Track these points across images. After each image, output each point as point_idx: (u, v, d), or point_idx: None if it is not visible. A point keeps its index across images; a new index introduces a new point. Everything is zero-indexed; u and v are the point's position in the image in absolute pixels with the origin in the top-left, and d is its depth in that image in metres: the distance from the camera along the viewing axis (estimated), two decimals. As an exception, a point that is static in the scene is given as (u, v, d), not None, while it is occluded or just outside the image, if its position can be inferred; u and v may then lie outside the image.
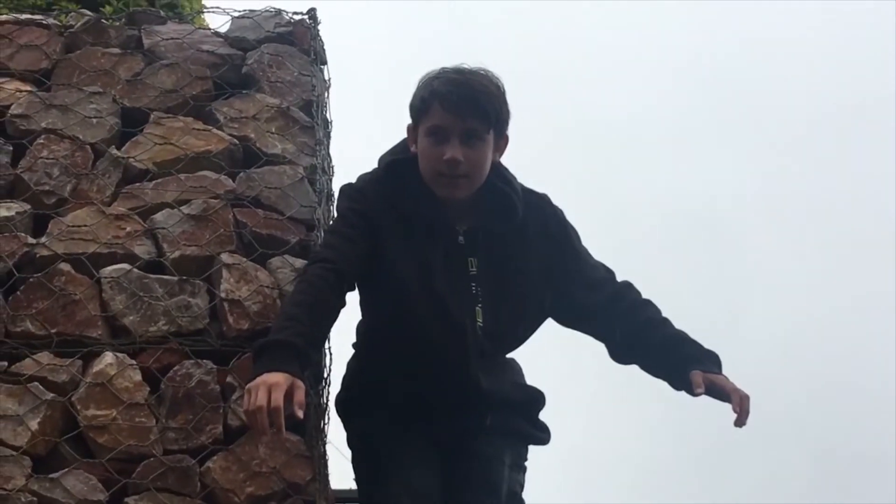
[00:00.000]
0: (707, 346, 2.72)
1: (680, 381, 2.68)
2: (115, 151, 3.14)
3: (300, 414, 2.31)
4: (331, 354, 2.96)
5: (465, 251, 2.66)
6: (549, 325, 2.82)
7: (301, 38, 3.47)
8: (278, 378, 2.29)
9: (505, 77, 2.65)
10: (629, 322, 2.76)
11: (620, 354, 2.81)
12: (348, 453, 2.78)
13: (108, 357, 2.78)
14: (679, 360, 2.68)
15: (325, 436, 2.90)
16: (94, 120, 3.19)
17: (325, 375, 2.94)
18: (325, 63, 3.52)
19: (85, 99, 3.22)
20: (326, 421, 2.91)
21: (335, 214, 2.99)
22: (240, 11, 3.50)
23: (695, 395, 2.62)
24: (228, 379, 2.81)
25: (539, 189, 2.84)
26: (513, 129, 2.70)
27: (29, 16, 3.44)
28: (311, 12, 3.52)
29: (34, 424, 2.68)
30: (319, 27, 3.52)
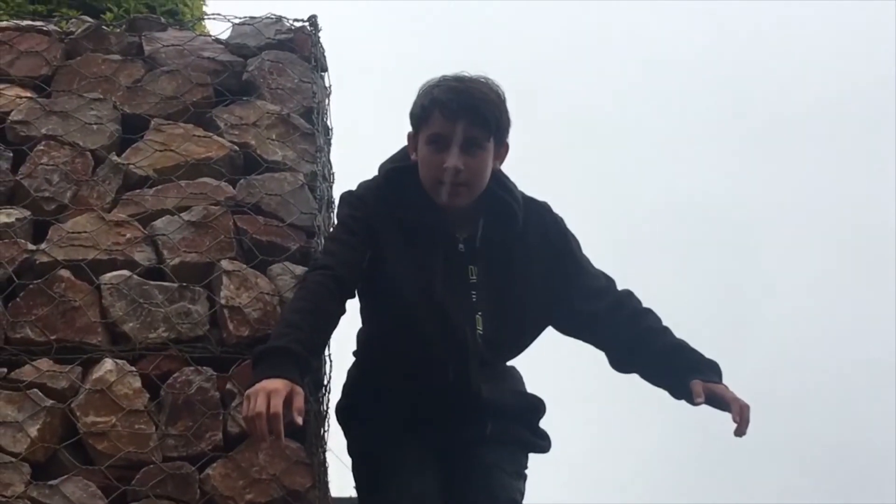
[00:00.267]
0: (710, 346, 2.73)
1: (680, 390, 2.69)
2: (115, 158, 3.14)
3: (299, 420, 2.30)
4: (331, 362, 2.96)
5: (465, 259, 2.66)
6: (550, 332, 2.82)
7: (302, 45, 3.47)
8: (277, 384, 2.29)
9: (505, 77, 2.66)
10: (629, 331, 2.76)
11: (621, 363, 2.81)
12: (348, 461, 2.78)
13: (108, 364, 2.78)
14: (679, 369, 2.69)
15: (326, 443, 2.90)
16: (95, 126, 3.19)
17: (326, 383, 2.94)
18: (325, 70, 3.52)
19: (85, 105, 3.22)
20: (326, 428, 2.91)
21: (335, 221, 2.99)
22: (240, 18, 3.51)
23: (695, 404, 2.63)
24: (228, 386, 2.81)
25: (538, 191, 2.84)
26: (513, 130, 2.70)
27: (29, 22, 3.44)
28: (312, 19, 3.52)
29: (33, 431, 2.68)
30: (320, 34, 3.52)
